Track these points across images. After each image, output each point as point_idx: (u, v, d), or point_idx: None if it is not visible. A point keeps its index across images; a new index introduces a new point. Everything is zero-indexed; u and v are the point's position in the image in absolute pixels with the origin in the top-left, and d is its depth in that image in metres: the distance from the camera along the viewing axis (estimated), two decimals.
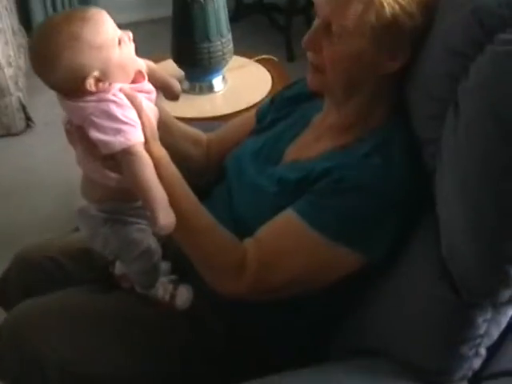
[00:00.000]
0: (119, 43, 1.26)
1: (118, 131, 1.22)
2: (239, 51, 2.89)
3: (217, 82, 2.74)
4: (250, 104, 2.55)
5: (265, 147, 1.52)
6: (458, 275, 1.15)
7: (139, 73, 1.32)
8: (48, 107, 3.73)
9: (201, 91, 2.73)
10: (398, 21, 1.24)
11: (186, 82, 2.73)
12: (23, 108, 3.58)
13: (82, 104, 1.24)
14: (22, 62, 3.88)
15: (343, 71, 1.30)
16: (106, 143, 1.22)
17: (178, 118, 2.28)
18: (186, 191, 1.31)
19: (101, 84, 1.25)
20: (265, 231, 1.32)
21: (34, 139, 3.59)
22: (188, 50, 2.60)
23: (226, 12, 2.62)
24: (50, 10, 4.39)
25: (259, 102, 2.45)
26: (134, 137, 1.23)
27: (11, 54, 3.57)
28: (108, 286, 1.53)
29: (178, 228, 1.22)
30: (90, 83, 1.23)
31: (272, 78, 2.80)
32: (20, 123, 3.59)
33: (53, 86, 1.27)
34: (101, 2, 4.39)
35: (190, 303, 1.42)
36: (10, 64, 3.49)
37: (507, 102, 1.02)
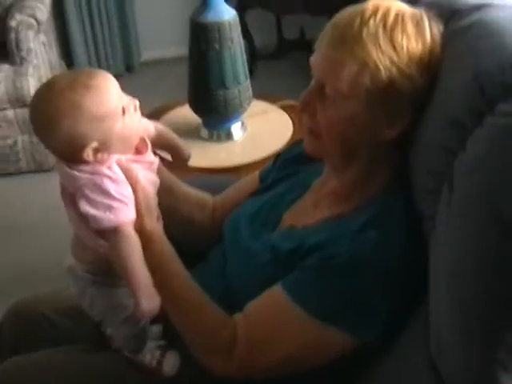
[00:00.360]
0: (123, 113, 1.23)
1: (109, 208, 1.20)
2: (262, 95, 2.80)
3: (235, 129, 2.64)
4: (269, 153, 2.44)
5: (263, 210, 1.47)
6: (445, 374, 1.04)
7: (143, 142, 1.31)
8: None
9: (219, 139, 2.63)
10: (395, 84, 1.17)
11: (204, 129, 2.64)
12: None
13: (76, 173, 1.22)
14: None
15: (338, 136, 1.25)
16: (94, 218, 1.20)
17: (194, 168, 2.29)
18: (177, 268, 1.30)
19: (99, 155, 1.23)
20: (254, 306, 1.27)
21: None
22: (204, 97, 2.51)
23: (244, 58, 2.52)
24: (91, 44, 4.37)
25: (278, 151, 2.31)
26: (125, 215, 1.21)
27: None
28: (100, 345, 1.49)
29: (166, 305, 1.23)
30: (88, 153, 1.22)
31: (293, 124, 2.67)
32: (52, 160, 3.56)
33: (51, 150, 1.25)
34: (144, 39, 4.37)
35: (177, 370, 1.38)
36: None
37: (505, 190, 0.93)
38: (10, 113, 3.40)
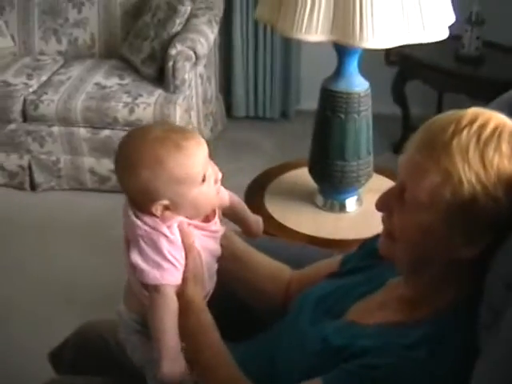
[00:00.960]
0: (203, 181, 1.24)
1: (158, 265, 1.22)
2: (387, 171, 2.66)
3: (350, 202, 2.54)
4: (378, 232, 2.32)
5: (332, 295, 1.42)
6: None
7: (212, 210, 1.33)
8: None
9: (331, 209, 2.54)
10: (477, 203, 1.09)
11: (320, 196, 2.56)
12: None
13: (138, 222, 1.24)
14: (208, 129, 3.93)
15: (411, 244, 1.18)
16: (142, 271, 1.23)
17: (301, 234, 2.28)
18: (212, 339, 1.31)
19: (167, 212, 1.25)
20: None
21: None
22: (321, 164, 2.44)
23: (370, 133, 2.41)
24: (251, 84, 4.40)
25: None
26: (170, 278, 1.24)
27: (193, 121, 3.61)
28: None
29: (198, 374, 1.26)
30: (157, 208, 1.23)
31: None
32: None
33: (124, 191, 1.28)
34: (305, 88, 4.34)
35: None
36: None
37: None
38: None
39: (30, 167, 3.69)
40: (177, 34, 3.56)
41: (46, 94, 3.57)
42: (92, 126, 3.52)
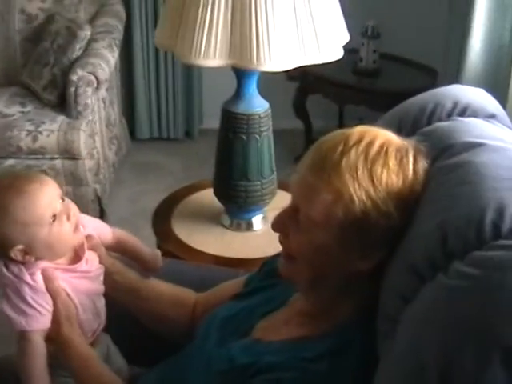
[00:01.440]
0: (53, 220, 1.27)
1: (23, 312, 1.26)
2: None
3: (256, 220, 2.57)
4: None
5: (237, 316, 1.43)
6: None
7: (80, 250, 1.37)
8: (127, 203, 3.74)
9: (238, 228, 2.57)
10: (369, 219, 1.12)
11: (226, 216, 2.58)
12: (98, 200, 3.57)
13: (4, 271, 1.29)
14: (112, 153, 3.90)
15: (308, 262, 1.21)
16: (9, 319, 1.27)
17: (208, 254, 2.30)
18: (98, 370, 1.34)
19: (27, 257, 1.29)
20: None
21: None
22: (225, 185, 2.46)
23: (272, 152, 2.45)
24: (154, 106, 4.40)
25: None
26: (35, 324, 1.27)
27: (97, 145, 3.58)
28: None
29: None
30: (15, 254, 1.27)
31: None
32: (93, 214, 3.54)
33: None
34: (207, 107, 4.36)
35: None
36: (92, 156, 3.51)
37: (432, 351, 0.91)
38: (58, 162, 3.44)
39: None
40: (77, 59, 3.52)
41: None
42: None
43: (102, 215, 3.62)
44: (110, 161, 3.89)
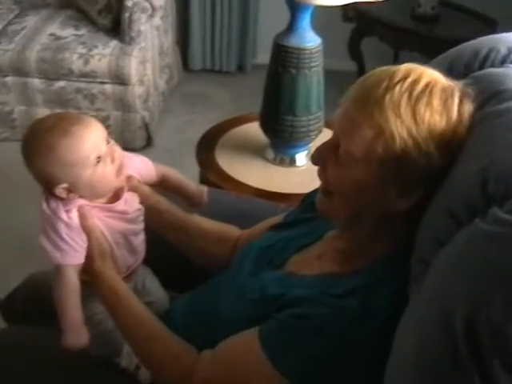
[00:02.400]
0: (98, 162, 1.28)
1: (58, 247, 1.29)
2: None
3: (300, 156, 2.56)
4: None
5: (273, 247, 1.43)
6: None
7: (119, 191, 1.39)
8: (173, 132, 3.74)
9: (281, 163, 2.57)
10: (409, 157, 1.09)
11: (270, 150, 2.57)
12: (146, 127, 3.57)
13: (43, 206, 1.31)
14: (163, 82, 3.89)
15: (346, 197, 1.19)
16: (46, 251, 1.30)
17: (250, 187, 2.32)
18: (127, 302, 1.36)
19: (71, 194, 1.31)
20: (225, 346, 1.26)
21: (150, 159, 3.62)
22: (272, 119, 2.45)
23: (321, 89, 2.41)
24: (208, 36, 4.36)
25: None
26: (70, 259, 1.30)
27: (148, 73, 3.56)
28: None
29: (122, 335, 1.36)
30: (60, 192, 1.29)
31: None
32: (140, 141, 3.60)
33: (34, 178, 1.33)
34: (262, 42, 4.30)
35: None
36: (142, 83, 3.50)
37: (457, 297, 0.89)
38: (108, 87, 3.45)
39: None
40: None
41: (0, 43, 3.49)
42: (46, 77, 3.46)
43: (148, 142, 3.64)
44: (160, 89, 3.89)
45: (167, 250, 1.59)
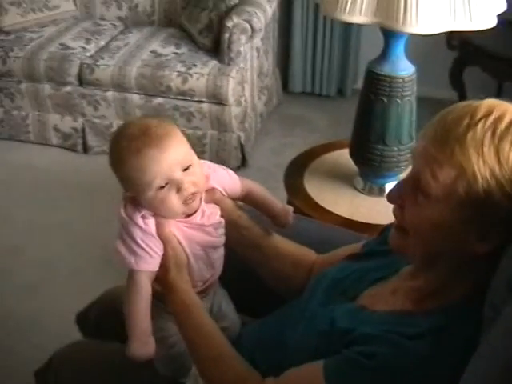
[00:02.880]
0: (162, 188, 1.28)
1: (133, 252, 1.29)
2: None
3: (389, 187, 2.47)
4: None
5: (348, 278, 1.42)
6: None
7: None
8: (269, 154, 3.76)
9: (370, 192, 2.52)
10: (491, 199, 1.07)
11: (360, 179, 2.54)
12: (241, 148, 3.61)
13: (121, 212, 1.32)
14: (262, 103, 3.92)
15: (423, 237, 1.16)
16: (119, 255, 1.31)
17: (334, 215, 2.34)
18: (198, 319, 1.35)
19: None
20: (288, 378, 1.24)
21: None
22: (361, 148, 2.41)
23: (413, 119, 2.37)
24: (309, 59, 4.36)
25: None
26: (144, 265, 1.30)
27: (246, 93, 3.60)
28: None
29: (189, 351, 1.36)
30: (127, 195, 1.33)
31: None
32: (234, 161, 3.64)
33: None
34: (363, 67, 4.28)
35: None
36: (239, 103, 3.54)
37: None
38: (205, 106, 3.52)
39: (83, 130, 3.77)
40: (234, 5, 3.57)
41: (103, 58, 3.62)
42: (145, 93, 3.57)
43: (243, 163, 3.67)
44: (258, 110, 3.92)
45: (241, 270, 1.59)
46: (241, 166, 3.65)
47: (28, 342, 2.54)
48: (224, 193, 1.46)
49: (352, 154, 2.48)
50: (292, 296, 1.56)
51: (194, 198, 1.32)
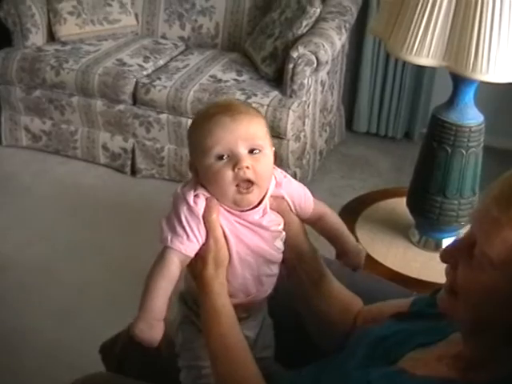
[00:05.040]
0: (220, 159, 1.26)
1: (173, 228, 1.27)
2: None
3: (447, 242, 2.47)
4: None
5: (391, 339, 1.38)
6: None
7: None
8: (326, 195, 3.77)
9: (426, 246, 2.50)
10: None
11: (416, 231, 2.52)
12: None
13: (178, 188, 1.32)
14: (322, 140, 3.93)
15: (474, 302, 1.13)
16: (161, 228, 1.29)
17: (384, 267, 2.34)
18: (226, 330, 1.32)
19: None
20: None
21: None
22: (419, 197, 2.39)
23: (478, 172, 2.34)
24: (378, 90, 4.36)
25: None
26: (179, 245, 1.26)
27: (306, 129, 3.62)
28: None
29: (210, 352, 1.32)
30: (190, 164, 1.34)
31: None
32: None
33: None
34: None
35: None
36: (298, 138, 3.56)
37: None
38: None
39: (133, 151, 3.82)
40: (302, 35, 3.57)
41: (160, 79, 3.68)
42: None
43: None
44: (318, 147, 3.93)
45: (284, 307, 1.57)
46: None
47: (58, 364, 2.58)
48: (293, 207, 1.41)
49: (409, 204, 2.47)
50: (330, 344, 1.55)
51: (249, 190, 1.28)
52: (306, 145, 3.68)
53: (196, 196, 1.29)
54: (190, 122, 3.43)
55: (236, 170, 1.26)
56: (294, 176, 3.57)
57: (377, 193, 2.78)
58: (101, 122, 3.83)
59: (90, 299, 2.96)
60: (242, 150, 1.26)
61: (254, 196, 1.30)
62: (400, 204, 2.61)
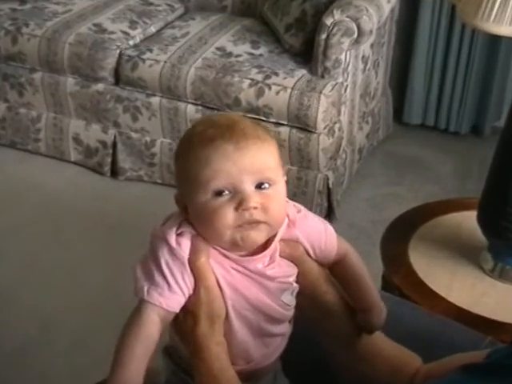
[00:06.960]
0: (218, 195, 1.26)
1: (150, 276, 1.28)
2: None
3: None
4: None
5: None
6: None
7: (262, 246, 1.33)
8: (366, 206, 3.79)
9: (502, 276, 2.50)
10: None
11: (489, 255, 2.52)
12: (328, 192, 3.63)
13: (158, 225, 1.33)
14: (363, 135, 3.97)
15: None
16: (134, 276, 1.29)
17: (447, 302, 2.35)
18: None
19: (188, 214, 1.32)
20: None
21: None
22: (494, 212, 2.39)
23: None
24: (435, 84, 4.38)
25: None
26: (157, 296, 1.26)
27: (342, 119, 3.67)
28: None
29: None
30: (178, 200, 1.33)
31: None
32: (315, 210, 3.63)
33: None
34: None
35: None
36: (331, 132, 3.59)
37: None
38: (283, 131, 3.53)
39: (114, 145, 3.84)
40: None
41: (151, 51, 3.67)
42: (204, 104, 3.60)
43: (328, 214, 3.66)
44: (357, 144, 3.94)
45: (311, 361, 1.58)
46: (325, 217, 3.62)
47: None
48: (311, 252, 1.41)
49: (480, 220, 2.46)
50: None
51: (253, 226, 1.28)
52: (342, 140, 3.68)
53: (179, 235, 1.29)
54: (190, 108, 3.50)
55: (240, 210, 1.26)
56: (326, 181, 3.57)
57: (436, 204, 2.79)
58: (72, 107, 3.83)
59: (51, 340, 2.96)
60: (248, 186, 1.26)
61: (260, 234, 1.29)
62: (469, 220, 2.61)
